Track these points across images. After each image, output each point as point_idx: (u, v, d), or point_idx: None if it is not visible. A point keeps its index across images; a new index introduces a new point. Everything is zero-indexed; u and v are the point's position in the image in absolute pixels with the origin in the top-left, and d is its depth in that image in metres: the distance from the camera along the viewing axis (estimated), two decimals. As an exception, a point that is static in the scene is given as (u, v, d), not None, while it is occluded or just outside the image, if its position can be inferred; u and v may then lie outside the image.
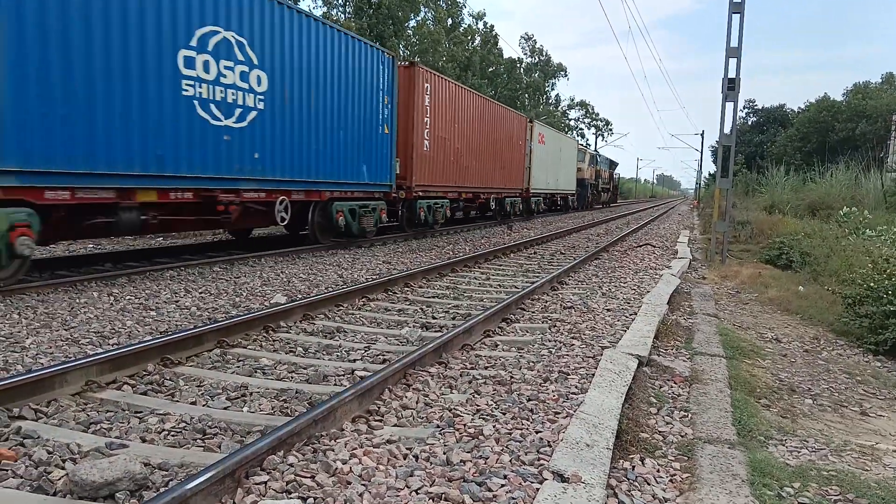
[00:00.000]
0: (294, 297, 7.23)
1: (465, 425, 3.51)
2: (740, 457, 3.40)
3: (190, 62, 8.70)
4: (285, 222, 10.97)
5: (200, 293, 7.31)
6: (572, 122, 75.63)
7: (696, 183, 68.55)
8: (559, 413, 3.72)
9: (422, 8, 43.14)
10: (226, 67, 9.32)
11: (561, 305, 7.24)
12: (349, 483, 2.79)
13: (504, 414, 3.72)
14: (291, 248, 11.58)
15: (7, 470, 2.84)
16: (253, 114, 9.93)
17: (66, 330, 5.39)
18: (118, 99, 7.77)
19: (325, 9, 37.81)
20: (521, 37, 73.93)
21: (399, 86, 14.56)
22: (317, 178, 11.69)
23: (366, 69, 13.04)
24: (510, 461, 3.06)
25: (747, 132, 53.27)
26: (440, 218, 17.33)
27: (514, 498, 2.69)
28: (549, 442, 3.26)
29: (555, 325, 6.19)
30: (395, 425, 3.57)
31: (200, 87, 8.92)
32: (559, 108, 73.82)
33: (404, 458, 3.10)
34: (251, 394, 4.02)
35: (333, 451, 3.11)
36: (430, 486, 2.80)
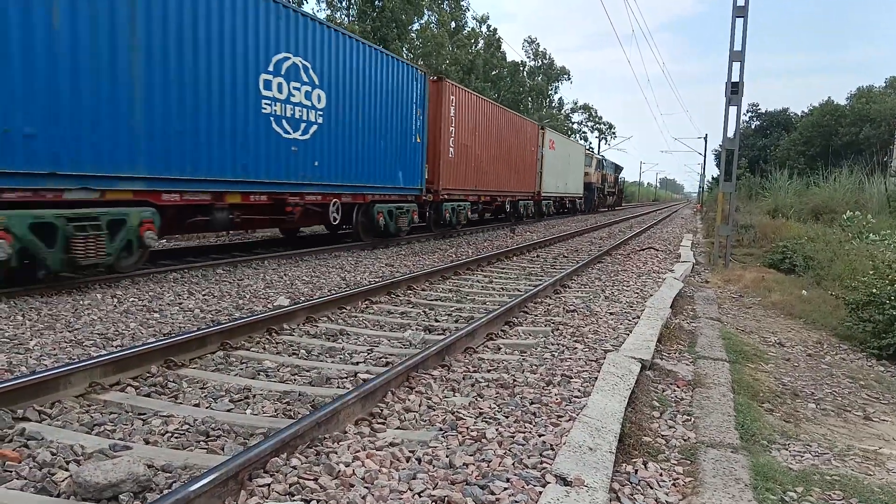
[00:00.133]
0: (297, 299, 7.24)
1: (467, 428, 3.52)
2: (743, 461, 3.40)
3: (268, 84, 10.17)
4: (336, 221, 12.58)
5: (204, 295, 7.33)
6: (575, 126, 75.67)
7: (700, 187, 68.38)
8: (562, 416, 3.72)
9: (425, 11, 43.23)
10: (294, 88, 10.81)
11: (564, 309, 7.24)
12: (352, 486, 2.79)
13: (507, 417, 3.72)
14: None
15: (11, 471, 2.85)
16: (314, 127, 11.41)
17: (69, 332, 5.41)
18: (216, 117, 9.19)
19: (328, 12, 37.91)
20: (525, 40, 74.14)
21: (428, 98, 15.93)
22: (362, 183, 13.17)
23: (402, 84, 14.55)
24: (513, 464, 3.06)
25: (751, 136, 53.23)
26: (462, 219, 18.86)
27: (516, 501, 2.69)
28: (551, 445, 3.26)
29: (558, 329, 6.19)
30: (397, 428, 3.57)
31: (275, 105, 10.39)
32: (562, 112, 73.86)
33: (407, 461, 3.10)
34: (254, 396, 4.02)
35: (336, 453, 3.12)
36: (433, 489, 2.80)
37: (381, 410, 3.79)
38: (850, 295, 7.50)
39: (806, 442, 3.94)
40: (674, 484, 3.15)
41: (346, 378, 4.47)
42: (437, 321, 6.52)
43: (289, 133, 10.74)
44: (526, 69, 64.39)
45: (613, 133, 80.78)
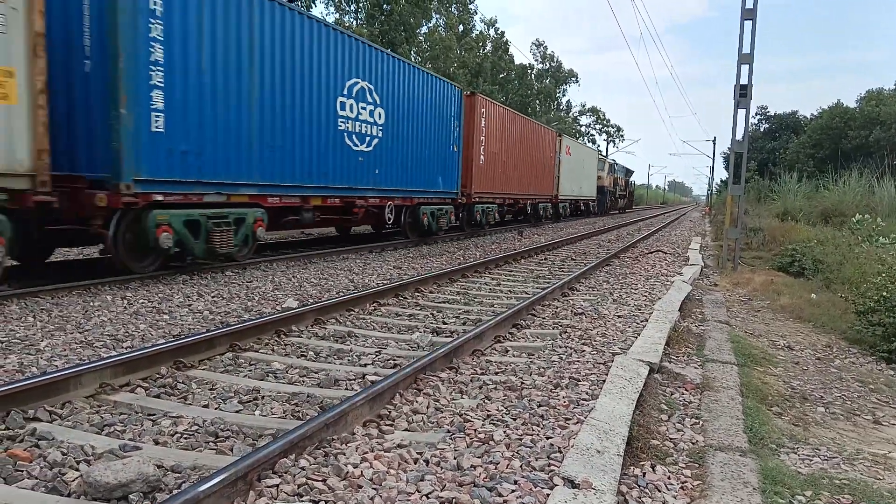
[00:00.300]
0: (306, 301, 7.27)
1: (475, 430, 3.52)
2: (752, 464, 3.39)
3: (342, 105, 12.12)
4: (391, 221, 14.52)
5: (213, 297, 7.36)
6: (583, 129, 75.54)
7: (708, 189, 68.31)
8: (570, 419, 3.72)
9: (433, 14, 43.29)
10: (361, 107, 12.75)
11: (572, 311, 7.23)
12: (360, 487, 2.80)
13: (514, 419, 3.72)
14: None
15: (22, 471, 2.87)
16: (375, 140, 13.38)
17: (80, 333, 5.44)
18: (305, 135, 11.08)
19: (337, 15, 38.03)
20: (533, 43, 74.04)
21: (463, 111, 17.87)
22: (410, 188, 15.08)
23: (443, 100, 16.61)
24: (521, 467, 3.06)
25: (759, 139, 53.00)
26: (491, 219, 20.79)
27: (524, 503, 2.70)
28: (559, 448, 3.26)
29: (565, 332, 6.19)
30: (405, 430, 3.58)
31: (347, 123, 12.34)
32: (570, 115, 73.76)
33: (415, 463, 3.11)
34: (263, 397, 4.04)
35: (345, 454, 3.13)
36: (441, 490, 2.81)
37: (389, 412, 3.80)
38: (860, 300, 7.46)
39: (815, 446, 3.93)
40: (682, 487, 3.15)
41: (355, 380, 4.48)
42: (444, 323, 6.53)
43: (357, 146, 12.69)
44: (534, 72, 64.34)
45: (622, 136, 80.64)
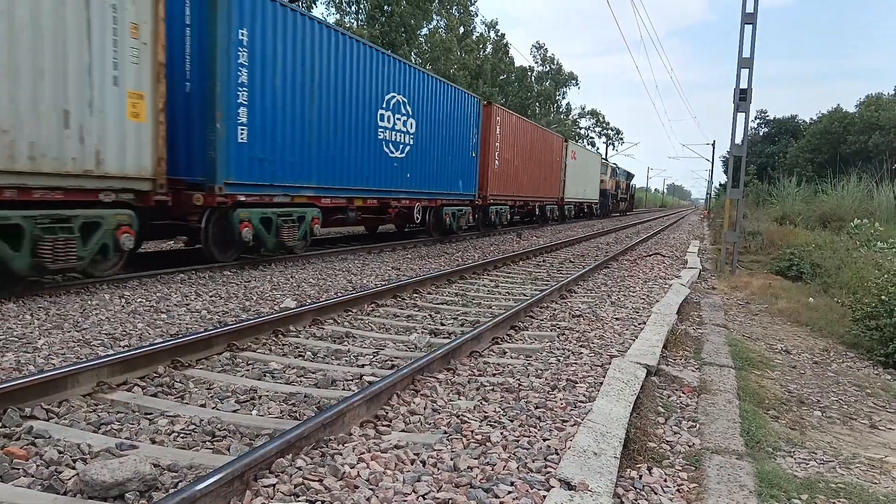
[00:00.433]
0: (304, 301, 7.26)
1: (472, 432, 3.52)
2: (748, 468, 3.39)
3: (382, 117, 13.61)
4: (419, 221, 16.07)
5: (211, 297, 7.36)
6: (583, 131, 75.54)
7: (707, 193, 68.32)
8: (567, 421, 3.73)
9: (434, 16, 43.32)
10: (397, 118, 14.27)
11: (570, 314, 7.23)
12: (357, 487, 2.80)
13: (512, 421, 3.72)
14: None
15: (19, 469, 2.87)
16: (407, 148, 14.88)
17: (77, 331, 5.44)
18: (351, 143, 12.51)
19: (337, 16, 38.05)
20: (533, 45, 73.99)
21: (481, 120, 19.41)
22: (435, 190, 16.59)
23: (464, 110, 18.11)
24: (517, 468, 3.06)
25: (759, 143, 53.08)
26: (504, 220, 22.24)
27: (520, 505, 2.70)
28: (556, 450, 3.27)
29: (563, 334, 6.19)
30: (402, 430, 3.58)
31: (385, 132, 13.82)
32: (570, 117, 73.77)
33: (412, 464, 3.11)
34: (260, 397, 4.04)
35: (341, 455, 3.13)
36: (438, 491, 2.81)
37: (387, 413, 3.80)
38: (857, 305, 7.47)
39: (811, 449, 3.93)
40: (678, 490, 3.15)
41: (352, 380, 4.48)
42: (442, 325, 6.53)
43: (392, 153, 14.20)
44: (534, 74, 64.38)
45: (621, 139, 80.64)
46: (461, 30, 46.97)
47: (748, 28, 12.81)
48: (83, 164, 7.17)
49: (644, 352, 5.36)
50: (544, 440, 3.42)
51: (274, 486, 2.77)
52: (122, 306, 6.57)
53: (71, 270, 7.33)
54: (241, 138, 9.53)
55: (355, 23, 37.59)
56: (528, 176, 24.21)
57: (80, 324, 5.70)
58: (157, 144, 8.08)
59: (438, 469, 3.05)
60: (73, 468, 2.92)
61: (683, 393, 4.78)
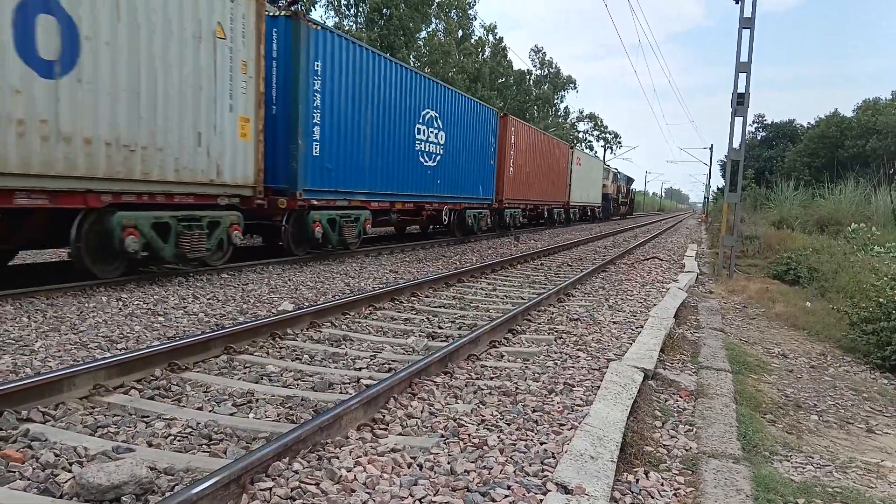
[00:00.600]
0: (301, 304, 7.26)
1: (469, 435, 3.52)
2: (745, 472, 3.39)
3: (419, 131, 15.52)
4: (447, 222, 17.95)
5: (208, 299, 7.35)
6: (581, 135, 75.65)
7: (705, 197, 68.38)
8: (564, 425, 3.73)
9: (433, 19, 43.37)
10: (430, 132, 16.18)
11: (567, 317, 7.24)
12: (353, 491, 2.80)
13: (509, 425, 3.72)
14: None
15: (14, 472, 2.87)
16: (438, 157, 16.77)
17: (74, 334, 5.43)
18: (394, 154, 14.30)
19: (336, 19, 38.09)
20: (531, 49, 73.92)
21: (498, 130, 21.25)
22: (460, 195, 18.45)
23: (484, 122, 19.98)
24: (514, 472, 3.07)
25: (756, 147, 53.22)
26: (517, 222, 23.97)
27: (517, 508, 2.70)
28: (553, 453, 3.27)
29: (561, 337, 6.19)
30: (399, 434, 3.58)
31: (421, 144, 15.73)
32: (568, 121, 73.87)
33: (408, 467, 3.11)
34: (257, 400, 4.04)
35: (338, 458, 3.13)
36: (434, 495, 2.81)
37: (384, 416, 3.79)
38: (855, 309, 7.47)
39: (808, 454, 3.94)
40: (675, 494, 3.15)
41: (349, 383, 4.48)
42: (440, 328, 6.53)
43: (426, 162, 16.09)
44: (532, 78, 64.46)
45: (619, 142, 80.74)
46: (460, 33, 47.02)
47: (746, 32, 12.84)
48: (209, 175, 8.98)
49: (641, 356, 5.37)
50: (541, 444, 3.42)
51: (270, 489, 2.77)
52: (120, 309, 6.56)
53: (198, 260, 9.06)
54: (315, 152, 11.35)
55: (354, 26, 37.63)
56: (538, 181, 25.91)
57: (77, 326, 5.70)
58: (258, 158, 9.91)
59: (435, 473, 3.05)
60: (70, 471, 2.91)
61: (680, 397, 4.78)
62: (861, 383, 5.87)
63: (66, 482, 2.80)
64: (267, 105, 10.34)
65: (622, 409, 3.98)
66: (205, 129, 8.80)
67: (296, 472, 2.93)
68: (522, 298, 8.49)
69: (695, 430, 4.09)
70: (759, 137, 55.90)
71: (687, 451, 3.73)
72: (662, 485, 3.23)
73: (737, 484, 3.23)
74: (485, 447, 3.36)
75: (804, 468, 3.68)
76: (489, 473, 3.03)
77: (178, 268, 8.94)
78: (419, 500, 2.76)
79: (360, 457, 3.15)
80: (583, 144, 71.38)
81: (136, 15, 7.65)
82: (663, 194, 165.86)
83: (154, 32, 7.90)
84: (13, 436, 3.22)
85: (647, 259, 15.19)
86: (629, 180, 59.54)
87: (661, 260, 15.23)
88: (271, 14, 10.49)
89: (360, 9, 38.11)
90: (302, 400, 4.04)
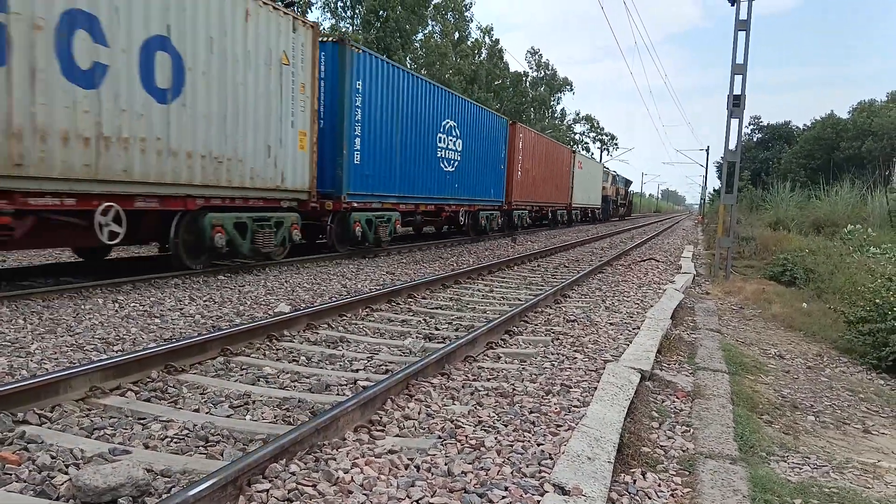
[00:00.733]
0: (298, 306, 7.25)
1: (466, 437, 3.52)
2: (742, 472, 3.40)
3: (439, 139, 17.10)
4: (463, 223, 19.39)
5: (205, 301, 7.34)
6: (577, 136, 75.75)
7: (701, 198, 68.54)
8: (561, 426, 3.73)
9: (429, 21, 43.41)
10: (449, 140, 17.78)
11: (564, 318, 7.24)
12: (350, 492, 2.80)
13: (506, 426, 3.72)
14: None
15: (11, 474, 2.86)
16: (456, 163, 18.34)
17: (70, 336, 5.42)
18: (418, 162, 15.83)
19: (333, 21, 38.09)
20: (528, 51, 74.09)
21: (507, 137, 22.90)
22: (474, 197, 20.02)
23: (496, 129, 21.70)
24: (511, 473, 3.06)
25: (752, 148, 53.38)
26: (524, 223, 25.87)
27: (514, 509, 2.69)
28: (550, 454, 3.27)
29: (558, 338, 6.20)
30: (396, 435, 3.58)
31: (441, 151, 17.30)
32: (564, 122, 73.96)
33: (406, 469, 3.11)
34: (254, 402, 4.03)
35: (335, 460, 3.12)
36: (432, 496, 2.81)
37: (381, 418, 3.79)
38: (850, 310, 7.49)
39: (805, 454, 3.94)
40: (672, 494, 3.16)
41: (346, 385, 4.47)
42: (437, 329, 6.53)
43: (445, 167, 17.67)
44: (528, 80, 64.54)
45: (615, 144, 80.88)
46: (456, 35, 47.07)
47: (741, 35, 12.88)
48: (275, 181, 10.53)
49: (638, 357, 5.37)
50: (538, 445, 3.42)
51: (268, 491, 2.77)
52: (116, 311, 6.55)
53: (267, 255, 10.62)
54: (356, 161, 12.84)
55: (350, 27, 37.64)
56: (543, 184, 27.63)
57: (74, 328, 5.68)
58: (311, 167, 11.48)
59: (432, 474, 3.05)
60: (66, 473, 2.90)
61: (677, 398, 4.79)
62: (857, 384, 5.89)
63: (62, 484, 2.79)
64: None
65: (619, 410, 3.99)
66: (273, 142, 10.36)
67: (293, 473, 2.93)
68: (519, 300, 8.50)
69: (692, 430, 4.10)
70: (755, 139, 56.06)
71: (684, 451, 3.73)
72: (659, 485, 3.23)
73: (734, 484, 3.23)
74: (482, 448, 3.36)
75: (801, 468, 3.69)
76: (486, 474, 3.03)
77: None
78: (416, 501, 2.76)
79: (357, 458, 3.15)
80: (579, 146, 71.46)
81: (224, 48, 9.10)
82: (660, 196, 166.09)
83: (237, 62, 9.40)
84: (9, 438, 3.21)
85: (644, 260, 15.21)
86: (627, 182, 61.05)
87: (658, 261, 15.25)
88: (322, 40, 11.94)
89: (357, 11, 38.13)
90: (299, 402, 4.04)
